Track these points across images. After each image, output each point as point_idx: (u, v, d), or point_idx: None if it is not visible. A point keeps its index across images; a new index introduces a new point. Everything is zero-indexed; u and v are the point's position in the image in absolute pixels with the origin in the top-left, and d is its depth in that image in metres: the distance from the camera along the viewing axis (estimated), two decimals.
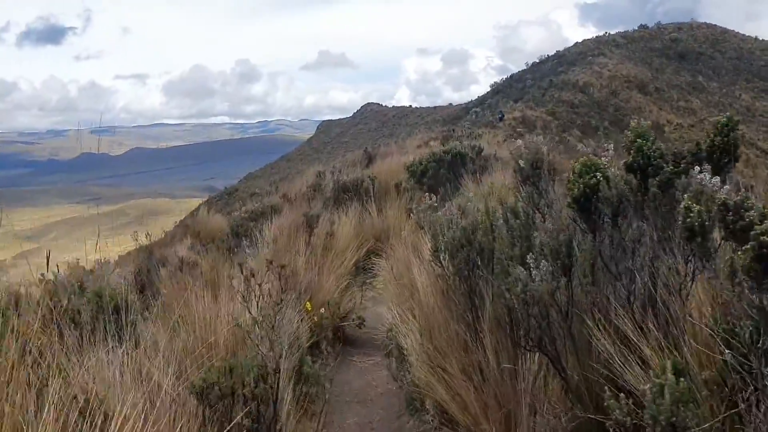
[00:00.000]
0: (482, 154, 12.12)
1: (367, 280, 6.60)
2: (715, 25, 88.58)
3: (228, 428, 2.50)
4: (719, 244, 2.34)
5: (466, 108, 78.12)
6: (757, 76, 77.89)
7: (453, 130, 22.16)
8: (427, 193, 6.35)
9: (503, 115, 37.14)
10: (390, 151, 23.42)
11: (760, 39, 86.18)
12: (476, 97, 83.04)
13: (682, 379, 1.89)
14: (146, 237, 15.30)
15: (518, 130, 26.29)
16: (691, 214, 2.30)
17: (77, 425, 2.05)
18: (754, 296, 1.84)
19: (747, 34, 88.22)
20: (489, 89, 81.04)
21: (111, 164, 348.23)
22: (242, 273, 3.39)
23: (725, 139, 2.99)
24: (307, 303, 4.67)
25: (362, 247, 6.98)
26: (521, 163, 4.09)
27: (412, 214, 9.06)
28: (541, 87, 66.15)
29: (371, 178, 9.52)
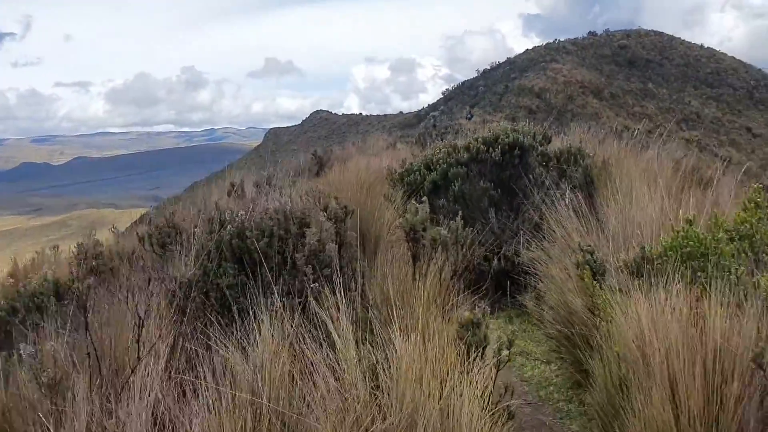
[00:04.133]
0: (552, 147, 5.70)
1: None
2: (662, 32, 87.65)
3: None
4: None
5: (418, 115, 75.47)
6: (704, 83, 77.93)
7: (434, 126, 15.82)
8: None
9: (472, 116, 31.95)
10: (347, 153, 17.11)
11: (706, 47, 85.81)
12: (427, 105, 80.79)
13: None
14: None
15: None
16: None
17: None
18: None
19: (693, 42, 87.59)
20: (441, 96, 79.33)
21: (52, 174, 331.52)
22: None
23: None
24: None
25: None
26: None
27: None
28: (496, 93, 65.61)
29: (338, 214, 3.00)
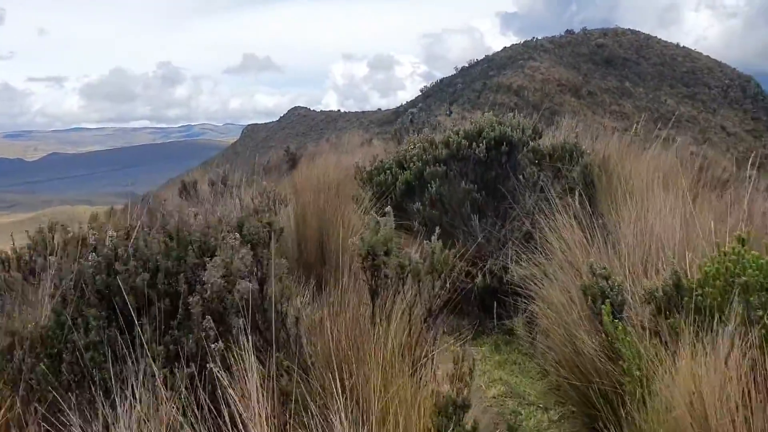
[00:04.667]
0: (543, 143, 4.86)
1: None
2: (639, 31, 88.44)
3: None
4: None
5: (396, 112, 75.16)
6: (680, 82, 78.65)
7: (411, 120, 14.93)
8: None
9: (452, 112, 31.44)
10: (320, 150, 16.24)
11: (682, 46, 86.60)
12: (405, 102, 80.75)
13: None
14: None
15: None
16: None
17: None
18: None
19: (669, 41, 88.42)
20: (419, 93, 79.34)
21: (26, 170, 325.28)
22: None
23: None
24: None
25: None
26: None
27: None
28: (475, 90, 65.72)
29: (258, 236, 2.08)
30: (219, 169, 8.41)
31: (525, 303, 3.98)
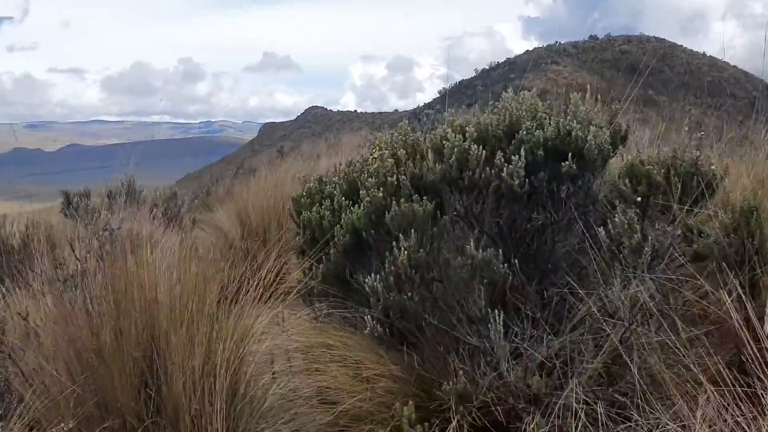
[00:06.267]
0: (641, 158, 2.29)
1: None
2: (664, 39, 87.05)
3: None
4: None
5: (414, 113, 73.45)
6: (705, 92, 76.77)
7: (419, 120, 12.53)
8: None
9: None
10: (316, 150, 14.02)
11: (708, 55, 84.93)
12: (423, 103, 79.85)
13: None
14: None
15: None
16: None
17: None
18: None
19: (695, 50, 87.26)
20: (438, 95, 78.51)
21: (45, 160, 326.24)
22: None
23: None
24: None
25: None
26: None
27: None
28: (495, 93, 63.53)
29: None
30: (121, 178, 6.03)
31: None
